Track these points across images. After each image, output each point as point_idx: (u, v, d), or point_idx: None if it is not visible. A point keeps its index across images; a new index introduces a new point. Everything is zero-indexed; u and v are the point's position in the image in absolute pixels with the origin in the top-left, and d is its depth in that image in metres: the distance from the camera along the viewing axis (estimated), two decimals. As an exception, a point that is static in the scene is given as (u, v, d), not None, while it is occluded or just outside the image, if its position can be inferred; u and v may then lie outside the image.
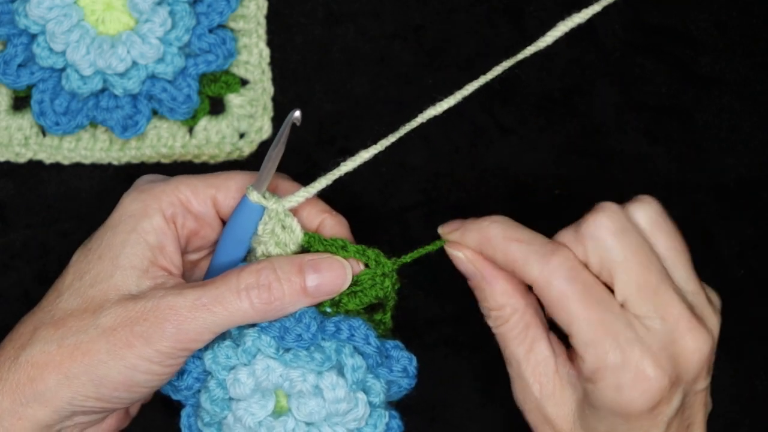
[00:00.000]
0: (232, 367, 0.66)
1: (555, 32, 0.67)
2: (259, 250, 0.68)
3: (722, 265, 0.80)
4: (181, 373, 0.67)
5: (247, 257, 0.69)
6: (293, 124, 0.66)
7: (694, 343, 0.63)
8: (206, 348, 0.66)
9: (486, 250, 0.65)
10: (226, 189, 0.68)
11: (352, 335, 0.66)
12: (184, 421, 0.69)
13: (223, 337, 0.66)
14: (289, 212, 0.67)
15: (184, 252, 0.69)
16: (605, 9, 0.80)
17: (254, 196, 0.67)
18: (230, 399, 0.66)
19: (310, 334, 0.65)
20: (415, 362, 0.67)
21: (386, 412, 0.67)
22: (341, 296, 0.67)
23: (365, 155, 0.67)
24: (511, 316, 0.66)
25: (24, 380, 0.64)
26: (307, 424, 0.66)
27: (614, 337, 0.62)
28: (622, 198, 0.80)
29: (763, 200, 0.81)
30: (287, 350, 0.65)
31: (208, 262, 0.72)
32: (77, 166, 0.78)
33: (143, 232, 0.66)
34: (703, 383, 0.65)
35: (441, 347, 0.78)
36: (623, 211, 0.65)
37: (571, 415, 0.65)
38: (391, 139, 0.67)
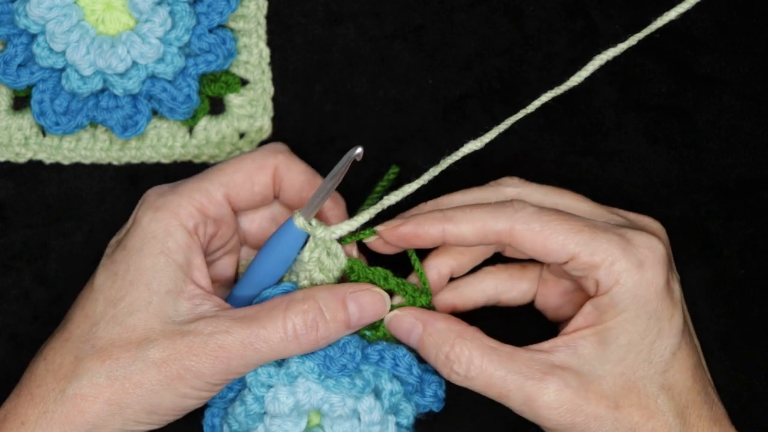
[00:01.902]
0: (271, 386, 0.67)
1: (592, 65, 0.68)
2: (302, 275, 0.68)
3: (722, 265, 0.80)
4: None
5: (286, 278, 0.69)
6: (354, 160, 0.66)
7: (655, 223, 0.69)
8: None
9: (451, 231, 0.66)
10: (235, 183, 0.69)
11: (396, 365, 0.67)
12: (207, 420, 0.70)
13: None
14: (335, 240, 0.68)
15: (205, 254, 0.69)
16: (606, 9, 0.80)
17: (300, 223, 0.67)
18: (264, 413, 0.67)
19: (354, 364, 0.66)
20: (444, 386, 0.69)
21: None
22: (380, 321, 0.68)
23: (408, 189, 0.68)
24: (469, 347, 0.65)
25: (74, 412, 0.64)
26: None
27: (607, 230, 0.65)
28: (623, 198, 0.80)
29: (763, 200, 0.81)
30: (329, 376, 0.66)
31: (226, 261, 0.72)
32: (77, 166, 0.78)
33: (170, 252, 0.66)
34: (676, 273, 0.68)
35: (441, 347, 0.78)
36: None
37: (592, 374, 0.65)
38: (433, 172, 0.68)
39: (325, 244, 0.67)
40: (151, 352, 0.64)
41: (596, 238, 0.65)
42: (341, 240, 0.68)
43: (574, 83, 0.68)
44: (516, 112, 0.80)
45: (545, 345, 0.66)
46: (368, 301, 0.67)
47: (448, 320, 0.67)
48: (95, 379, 0.64)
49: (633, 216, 0.69)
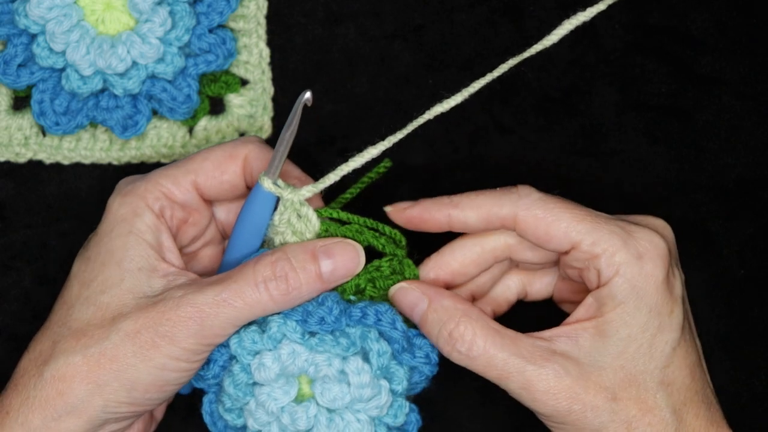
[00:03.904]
0: (257, 352, 0.66)
1: (561, 30, 0.68)
2: (277, 240, 0.68)
3: (722, 265, 0.80)
4: (207, 362, 0.67)
5: (264, 245, 0.69)
6: (305, 105, 0.66)
7: (659, 221, 0.68)
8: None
9: (456, 216, 0.67)
10: (204, 171, 0.69)
11: (379, 320, 0.66)
12: (206, 408, 0.69)
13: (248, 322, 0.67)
14: (304, 202, 0.67)
15: (180, 244, 0.69)
16: (606, 9, 0.80)
17: (267, 184, 0.67)
18: (253, 384, 0.67)
19: (332, 317, 0.65)
20: (436, 351, 0.67)
21: (407, 403, 0.68)
22: (365, 284, 0.68)
23: (373, 151, 0.67)
24: (473, 326, 0.66)
25: (53, 395, 0.64)
26: (330, 410, 0.66)
27: (609, 221, 0.66)
28: (623, 198, 0.80)
29: (763, 200, 0.81)
30: (313, 335, 0.66)
31: (208, 253, 0.72)
32: (77, 166, 0.78)
33: (139, 232, 0.66)
34: (679, 271, 0.68)
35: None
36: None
37: (592, 364, 0.65)
38: (399, 135, 0.68)
39: (294, 205, 0.67)
40: (124, 324, 0.64)
41: (598, 228, 0.65)
42: (321, 212, 0.68)
43: (543, 46, 0.68)
44: (516, 111, 0.80)
45: (546, 333, 0.66)
46: (339, 252, 0.66)
47: (454, 298, 0.67)
48: (71, 359, 0.64)
49: (636, 217, 0.69)
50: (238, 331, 0.66)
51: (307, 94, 0.66)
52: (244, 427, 0.68)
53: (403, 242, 0.69)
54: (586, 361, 0.64)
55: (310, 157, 0.79)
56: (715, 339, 0.79)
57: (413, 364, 0.67)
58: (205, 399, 0.69)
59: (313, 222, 0.67)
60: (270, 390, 0.66)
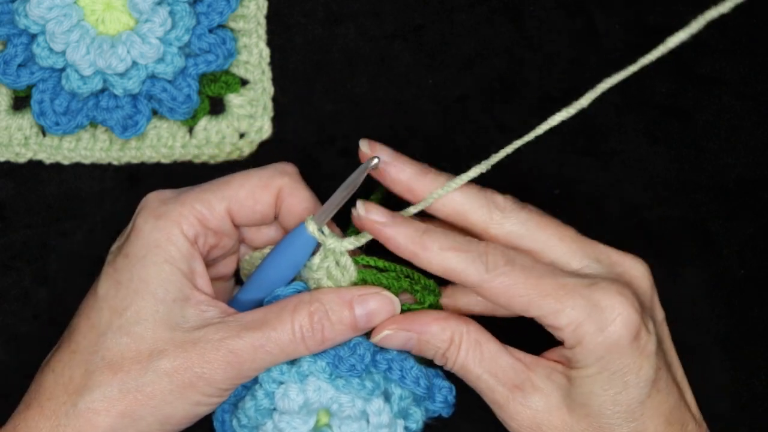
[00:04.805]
0: (282, 382, 0.67)
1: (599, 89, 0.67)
2: (312, 282, 0.68)
3: (722, 265, 0.80)
4: None
5: (294, 280, 0.70)
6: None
7: (636, 269, 0.68)
8: None
9: (421, 259, 0.66)
10: (238, 199, 0.68)
11: (404, 377, 0.67)
12: (218, 416, 0.70)
13: None
14: (345, 252, 0.68)
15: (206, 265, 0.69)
16: (606, 9, 0.80)
17: (312, 229, 0.67)
18: (274, 410, 0.67)
19: (363, 365, 0.66)
20: (454, 392, 0.69)
21: None
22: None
23: (440, 193, 0.68)
24: (460, 339, 0.67)
25: (86, 426, 0.64)
26: None
27: (574, 292, 0.65)
28: (623, 198, 0.80)
29: (763, 200, 0.81)
30: (340, 376, 0.67)
31: (227, 260, 0.72)
32: (77, 166, 0.78)
33: (174, 261, 0.66)
34: (660, 313, 0.68)
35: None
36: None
37: (560, 404, 0.66)
38: (497, 157, 0.68)
39: (335, 255, 0.68)
40: (162, 363, 0.64)
41: (560, 300, 0.65)
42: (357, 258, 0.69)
43: (582, 105, 0.67)
44: (516, 111, 0.80)
45: (528, 359, 0.67)
46: (376, 306, 0.67)
47: (439, 321, 0.67)
48: (107, 393, 0.64)
49: (615, 256, 0.68)
50: None
51: (375, 161, 0.67)
52: None
53: (437, 291, 0.69)
54: (554, 399, 0.66)
55: (310, 156, 0.79)
56: (715, 339, 0.79)
57: (432, 408, 0.69)
58: (219, 408, 0.70)
59: (350, 271, 0.68)
60: (290, 419, 0.67)
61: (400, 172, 0.67)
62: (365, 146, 0.68)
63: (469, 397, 0.71)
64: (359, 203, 0.67)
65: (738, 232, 0.80)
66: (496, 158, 0.67)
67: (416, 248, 0.66)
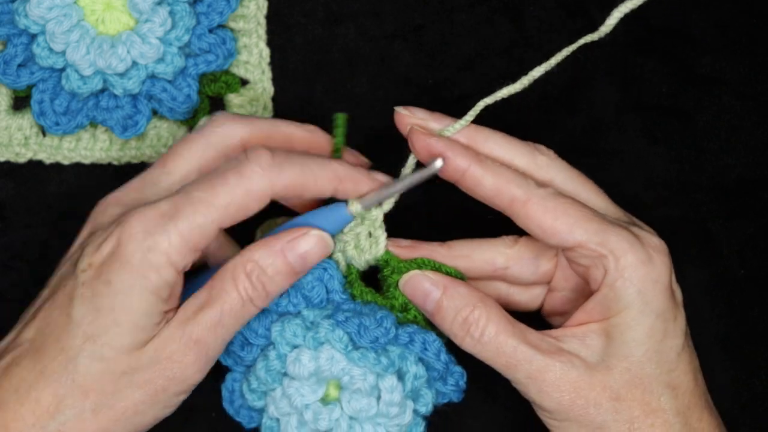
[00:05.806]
0: (296, 346, 0.67)
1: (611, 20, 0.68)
2: (337, 247, 0.69)
3: (722, 265, 0.80)
4: (248, 344, 0.68)
5: None
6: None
7: (661, 246, 0.67)
8: (275, 320, 0.67)
9: (474, 172, 0.66)
10: (229, 216, 0.65)
11: (426, 349, 0.67)
12: (227, 385, 0.69)
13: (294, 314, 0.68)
14: (382, 224, 0.68)
15: None
16: (606, 9, 0.80)
17: (354, 209, 0.68)
18: (284, 374, 0.67)
19: (386, 339, 0.66)
20: (465, 377, 0.69)
21: (423, 423, 0.69)
22: (409, 303, 0.68)
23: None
24: (486, 310, 0.66)
25: None
26: (351, 417, 0.66)
27: (617, 225, 0.66)
28: (623, 198, 0.80)
29: (763, 200, 0.81)
30: (356, 347, 0.66)
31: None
32: (77, 166, 0.78)
33: (158, 291, 0.64)
34: (677, 287, 0.68)
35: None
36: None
37: (598, 364, 0.65)
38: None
39: (374, 223, 0.68)
40: (135, 378, 0.64)
41: (606, 230, 0.65)
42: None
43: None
44: (516, 111, 0.80)
45: (554, 332, 0.66)
46: (308, 247, 0.66)
47: (468, 286, 0.67)
48: (80, 414, 0.63)
49: (644, 228, 0.69)
50: (281, 321, 0.67)
51: (439, 163, 0.67)
52: (262, 410, 0.68)
53: (464, 278, 0.69)
54: (592, 360, 0.65)
55: (310, 157, 0.79)
56: (715, 339, 0.79)
57: (443, 391, 0.68)
58: (229, 376, 0.69)
59: (380, 245, 0.68)
60: (299, 385, 0.66)
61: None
62: (403, 110, 0.68)
63: (474, 393, 0.71)
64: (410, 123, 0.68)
65: (738, 232, 0.80)
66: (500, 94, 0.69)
67: (473, 161, 0.67)
